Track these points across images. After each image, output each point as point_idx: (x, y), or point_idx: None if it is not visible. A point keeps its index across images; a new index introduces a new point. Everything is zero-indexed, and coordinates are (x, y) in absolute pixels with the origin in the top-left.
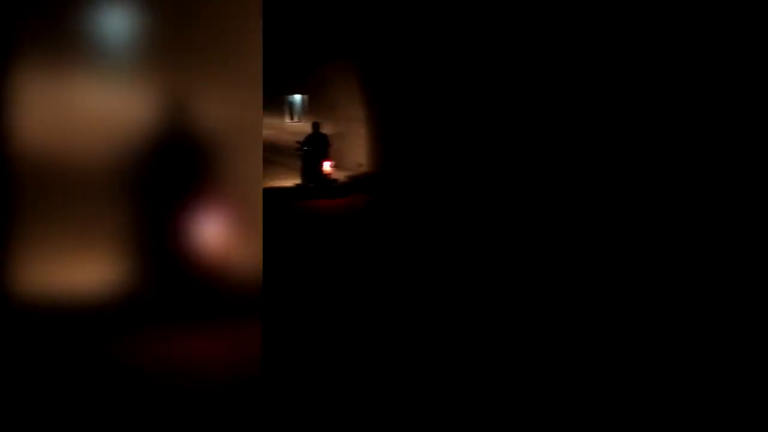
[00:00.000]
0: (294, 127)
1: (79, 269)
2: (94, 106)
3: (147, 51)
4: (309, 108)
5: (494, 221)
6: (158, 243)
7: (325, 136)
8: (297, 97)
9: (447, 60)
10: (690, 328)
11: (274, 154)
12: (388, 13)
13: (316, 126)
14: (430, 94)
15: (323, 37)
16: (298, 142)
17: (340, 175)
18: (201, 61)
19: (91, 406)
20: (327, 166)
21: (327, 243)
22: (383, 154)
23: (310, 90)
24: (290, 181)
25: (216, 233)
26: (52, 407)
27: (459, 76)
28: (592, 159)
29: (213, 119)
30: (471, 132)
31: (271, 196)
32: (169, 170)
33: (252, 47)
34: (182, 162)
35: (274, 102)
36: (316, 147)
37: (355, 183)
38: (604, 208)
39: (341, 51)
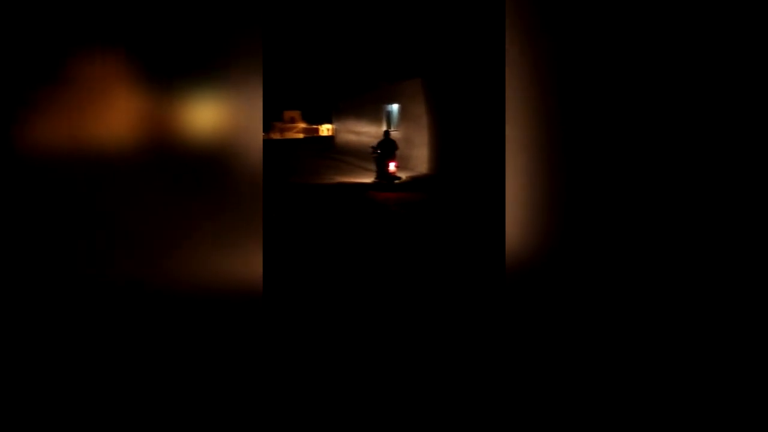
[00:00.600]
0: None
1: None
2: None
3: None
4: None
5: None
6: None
7: (393, 141)
8: (395, 107)
9: (490, 86)
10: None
11: (363, 160)
12: (450, 46)
13: (386, 133)
14: (473, 113)
15: (402, 57)
16: (372, 147)
17: (405, 174)
18: (204, 69)
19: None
20: (392, 166)
21: (367, 221)
22: (438, 160)
23: (397, 102)
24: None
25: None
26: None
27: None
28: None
29: (216, 123)
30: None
31: (354, 189)
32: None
33: (252, 55)
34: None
35: (376, 112)
36: (384, 150)
37: (416, 181)
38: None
39: (414, 71)
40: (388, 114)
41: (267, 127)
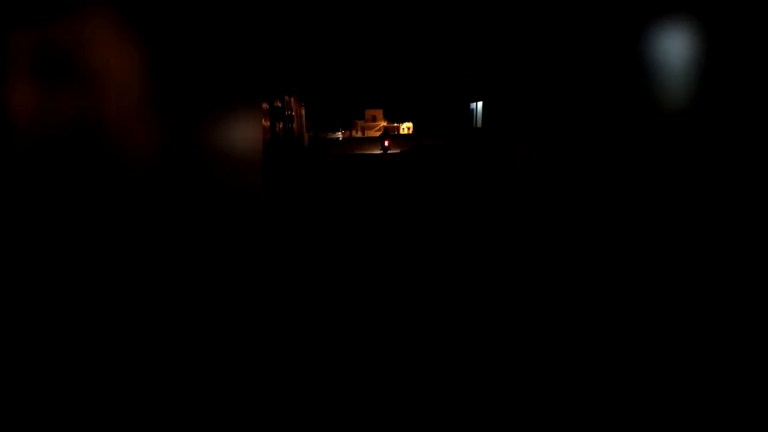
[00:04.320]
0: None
1: None
2: None
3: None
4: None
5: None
6: None
7: (389, 132)
8: (480, 105)
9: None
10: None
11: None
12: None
13: (385, 128)
14: (425, 121)
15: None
16: (379, 134)
17: (396, 149)
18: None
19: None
20: (386, 143)
21: (379, 164)
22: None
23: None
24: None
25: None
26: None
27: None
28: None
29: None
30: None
31: (374, 155)
32: None
33: (251, 63)
34: None
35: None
36: (383, 136)
37: (398, 152)
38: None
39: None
40: (473, 112)
41: (348, 125)
